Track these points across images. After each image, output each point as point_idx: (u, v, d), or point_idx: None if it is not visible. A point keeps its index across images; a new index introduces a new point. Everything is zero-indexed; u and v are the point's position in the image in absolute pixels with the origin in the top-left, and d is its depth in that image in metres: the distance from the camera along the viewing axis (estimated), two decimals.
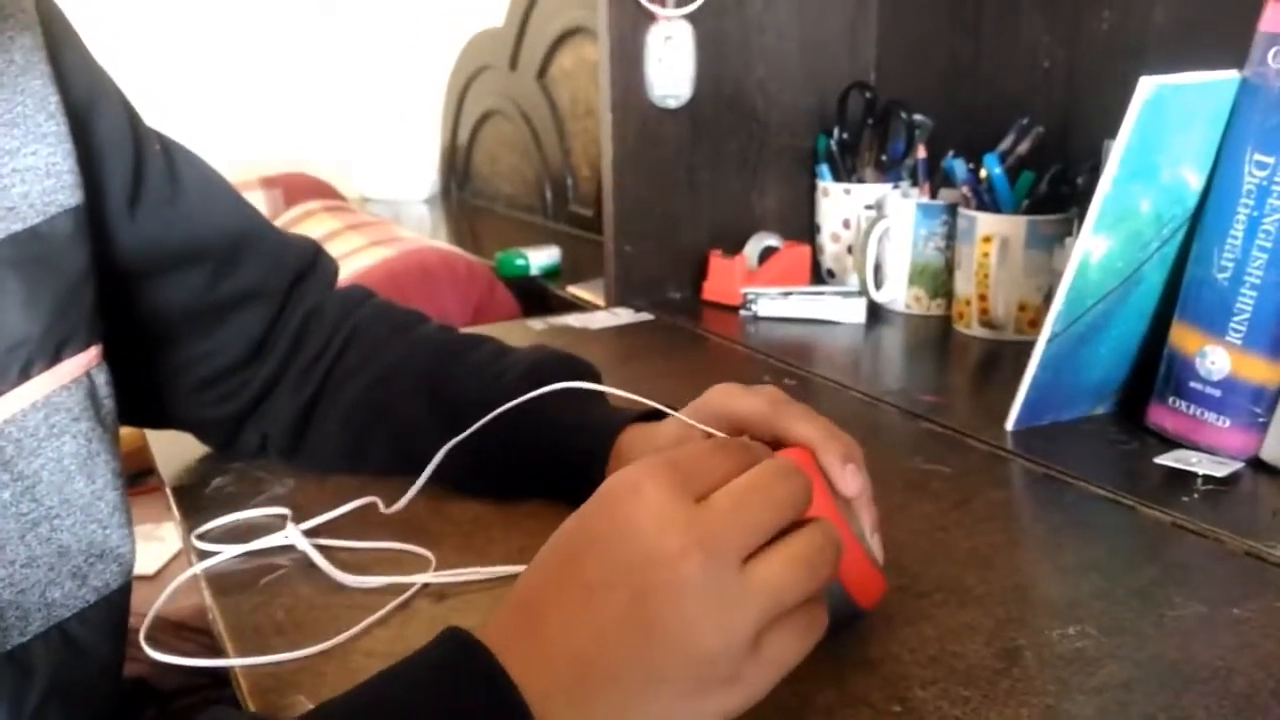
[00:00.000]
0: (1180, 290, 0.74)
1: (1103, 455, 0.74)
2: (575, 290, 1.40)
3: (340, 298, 0.74)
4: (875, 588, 0.47)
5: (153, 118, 0.66)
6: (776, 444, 0.49)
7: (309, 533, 0.62)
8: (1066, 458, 0.72)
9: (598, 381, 0.70)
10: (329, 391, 0.71)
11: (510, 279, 1.53)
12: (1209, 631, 0.51)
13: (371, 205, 2.35)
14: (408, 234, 1.75)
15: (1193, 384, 0.72)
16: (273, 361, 0.70)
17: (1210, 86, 0.69)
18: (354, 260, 1.61)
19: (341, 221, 1.82)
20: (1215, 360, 0.71)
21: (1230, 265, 0.70)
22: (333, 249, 1.75)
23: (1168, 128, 0.69)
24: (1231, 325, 0.70)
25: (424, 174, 2.44)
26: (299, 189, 2.20)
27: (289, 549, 0.61)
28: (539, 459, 0.64)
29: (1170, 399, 0.74)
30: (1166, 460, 0.70)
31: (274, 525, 0.63)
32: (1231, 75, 0.70)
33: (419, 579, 0.57)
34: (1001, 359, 0.98)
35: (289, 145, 2.39)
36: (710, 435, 0.50)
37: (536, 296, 1.51)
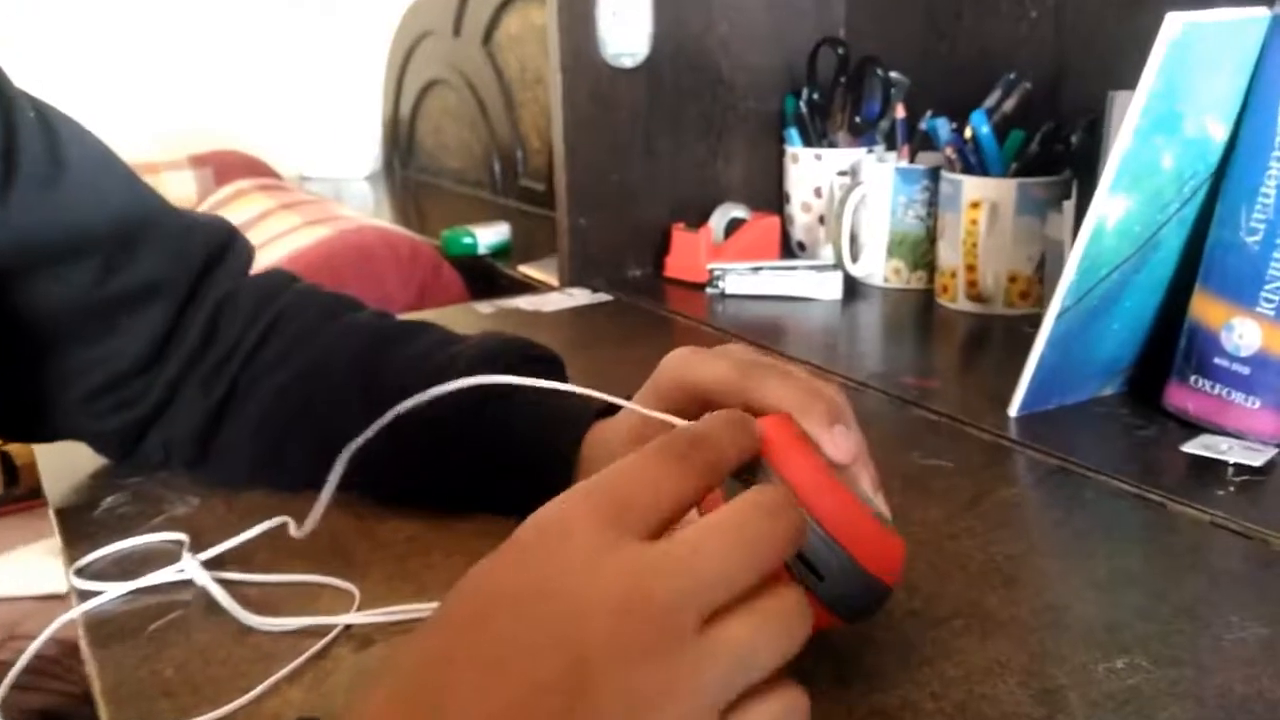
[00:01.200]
0: (1202, 256, 0.66)
1: (1119, 443, 0.66)
2: (527, 269, 1.30)
3: (258, 284, 0.65)
4: (896, 556, 0.39)
5: (74, 93, 0.56)
6: (749, 411, 0.41)
7: (211, 563, 0.52)
8: (1080, 447, 0.64)
9: (558, 368, 0.61)
10: (243, 390, 0.62)
11: (457, 258, 1.43)
12: (1277, 658, 0.43)
13: (310, 183, 2.23)
14: (347, 212, 1.64)
15: (1218, 360, 0.65)
16: (177, 361, 0.61)
17: (1238, 25, 0.61)
18: (288, 241, 1.50)
19: (275, 200, 1.71)
20: (1243, 334, 0.63)
21: (1261, 227, 0.62)
22: (266, 229, 1.64)
23: (1193, 72, 0.61)
24: (1262, 295, 0.62)
25: (365, 149, 2.32)
26: (231, 167, 2.08)
27: (188, 584, 0.51)
28: (489, 462, 0.55)
29: (1192, 378, 0.66)
30: (1193, 448, 0.63)
31: (171, 554, 0.54)
32: (1261, 13, 0.62)
33: (340, 620, 0.48)
34: (991, 335, 0.90)
35: (221, 121, 2.26)
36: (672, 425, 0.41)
37: (485, 277, 1.41)
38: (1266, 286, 0.62)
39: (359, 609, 0.48)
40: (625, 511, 0.29)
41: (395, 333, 0.62)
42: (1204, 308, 0.66)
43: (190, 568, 0.51)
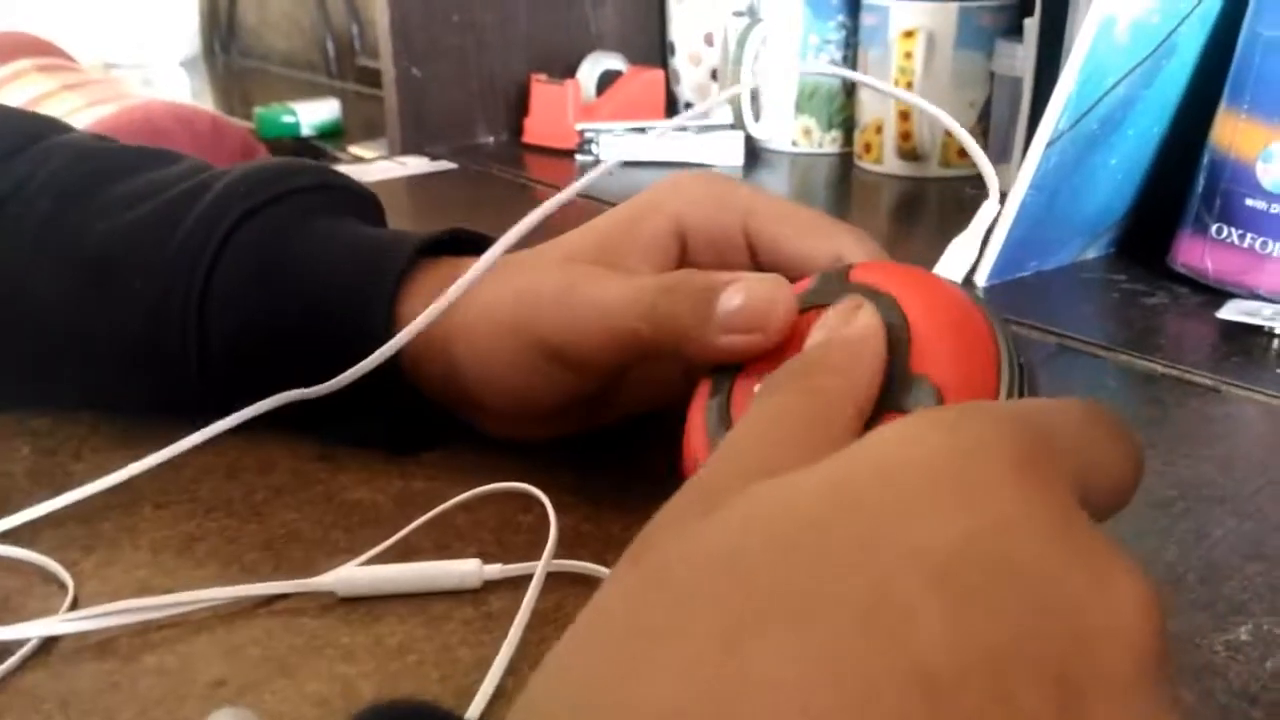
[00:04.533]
0: (1231, 65, 0.50)
1: (1128, 314, 0.50)
2: (358, 150, 1.08)
3: None
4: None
5: None
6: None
7: None
8: (1082, 321, 0.48)
9: (373, 209, 0.43)
10: None
11: (275, 141, 1.19)
12: None
13: (118, 73, 1.92)
14: (141, 93, 1.38)
15: (1250, 202, 0.49)
16: None
17: None
18: None
19: (57, 81, 1.42)
20: None
21: None
22: (44, 113, 1.37)
23: None
24: None
25: (179, 31, 2.01)
26: (11, 49, 1.76)
27: None
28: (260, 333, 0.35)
29: (1214, 227, 0.51)
30: (1231, 314, 0.47)
31: None
32: None
33: (34, 631, 0.27)
34: (927, 200, 0.73)
35: (9, 4, 1.92)
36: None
37: None
38: None
39: (70, 611, 0.28)
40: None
41: (116, 161, 0.41)
42: (1231, 132, 0.50)
43: None
